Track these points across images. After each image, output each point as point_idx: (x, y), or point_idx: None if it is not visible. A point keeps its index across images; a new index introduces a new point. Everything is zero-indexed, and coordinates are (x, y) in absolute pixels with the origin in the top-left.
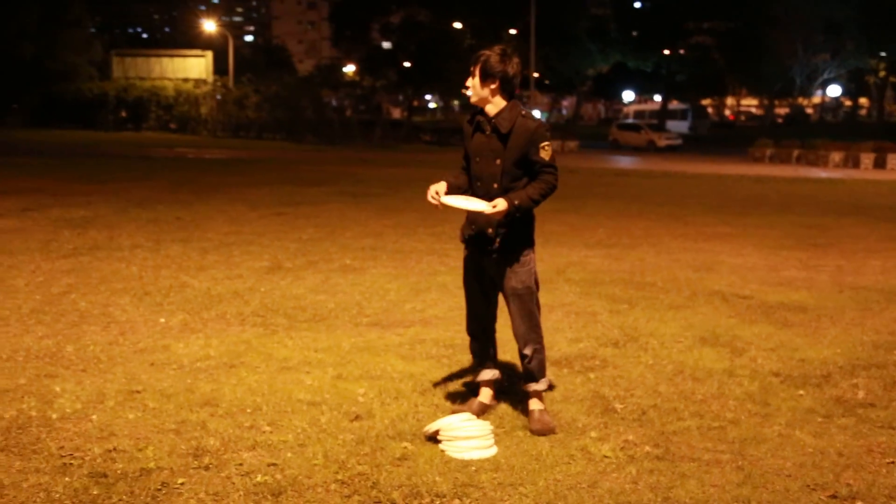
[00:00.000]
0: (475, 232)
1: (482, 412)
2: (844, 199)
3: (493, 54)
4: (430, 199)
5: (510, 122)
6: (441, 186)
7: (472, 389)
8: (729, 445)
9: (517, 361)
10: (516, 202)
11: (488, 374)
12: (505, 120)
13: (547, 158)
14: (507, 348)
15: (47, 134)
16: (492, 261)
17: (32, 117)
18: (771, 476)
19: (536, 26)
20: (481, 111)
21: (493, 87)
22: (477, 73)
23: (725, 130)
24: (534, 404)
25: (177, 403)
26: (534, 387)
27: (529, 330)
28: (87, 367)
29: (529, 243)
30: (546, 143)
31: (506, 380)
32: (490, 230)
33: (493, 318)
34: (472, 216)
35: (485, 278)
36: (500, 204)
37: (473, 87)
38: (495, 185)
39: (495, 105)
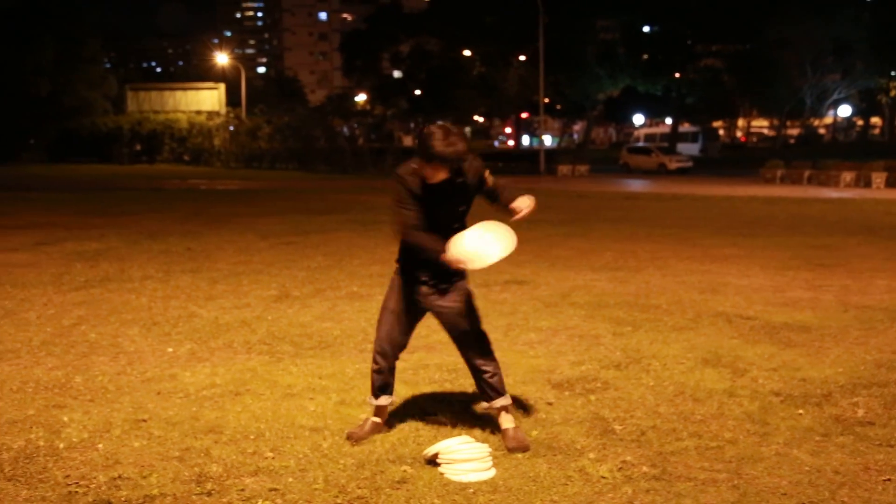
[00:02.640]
0: (428, 270)
1: (376, 431)
2: (854, 218)
3: (449, 149)
4: (457, 265)
5: (466, 169)
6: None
7: (476, 414)
8: (726, 465)
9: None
10: None
11: (387, 399)
12: (465, 169)
13: (493, 178)
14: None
15: (63, 169)
16: (437, 292)
17: (49, 152)
18: (766, 494)
19: (545, 52)
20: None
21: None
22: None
23: (737, 152)
24: (507, 422)
25: (182, 431)
26: (502, 402)
27: (485, 348)
28: (94, 398)
29: None
30: (487, 170)
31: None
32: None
33: (405, 347)
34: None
35: (417, 306)
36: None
37: (438, 177)
38: (455, 226)
39: None
